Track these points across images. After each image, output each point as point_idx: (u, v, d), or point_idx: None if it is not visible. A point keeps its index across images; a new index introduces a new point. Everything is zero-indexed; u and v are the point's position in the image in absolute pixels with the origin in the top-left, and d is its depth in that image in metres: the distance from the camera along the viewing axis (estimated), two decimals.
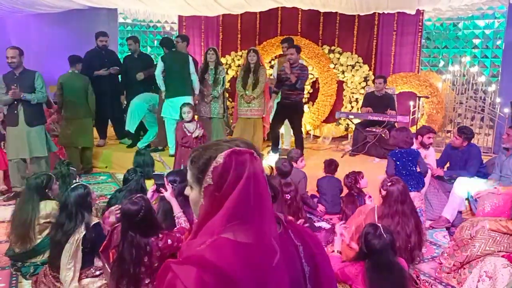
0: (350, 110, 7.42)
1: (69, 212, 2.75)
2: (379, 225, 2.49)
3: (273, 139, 6.34)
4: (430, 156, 4.78)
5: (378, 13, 7.26)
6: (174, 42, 6.37)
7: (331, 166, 4.71)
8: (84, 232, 2.72)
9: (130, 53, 6.88)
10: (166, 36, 7.67)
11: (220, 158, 1.02)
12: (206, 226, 1.00)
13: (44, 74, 7.75)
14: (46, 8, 7.49)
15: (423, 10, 7.03)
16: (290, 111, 6.04)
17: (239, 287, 0.92)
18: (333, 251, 2.67)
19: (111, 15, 8.08)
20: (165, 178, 2.87)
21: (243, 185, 0.98)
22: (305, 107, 7.96)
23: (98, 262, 2.86)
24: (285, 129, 6.75)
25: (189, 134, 5.02)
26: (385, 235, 2.42)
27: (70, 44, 7.57)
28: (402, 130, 4.48)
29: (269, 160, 5.68)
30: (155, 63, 6.70)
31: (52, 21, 8.06)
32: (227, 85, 7.22)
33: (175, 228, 2.66)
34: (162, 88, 6.08)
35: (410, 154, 4.23)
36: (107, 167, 6.23)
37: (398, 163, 4.24)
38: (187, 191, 1.14)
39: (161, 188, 2.83)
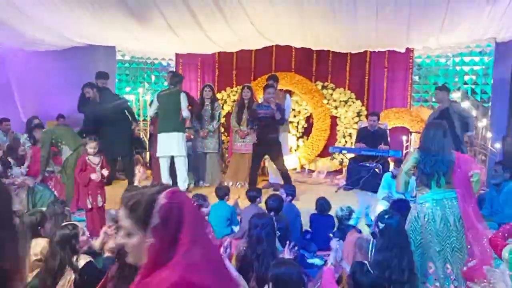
0: (344, 145, 7.51)
1: (53, 251, 2.75)
2: (366, 262, 2.52)
3: (254, 182, 6.06)
4: None
5: (370, 51, 7.47)
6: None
7: (321, 207, 4.70)
8: (74, 276, 2.70)
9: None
10: (173, 72, 7.37)
11: (162, 198, 1.16)
12: (163, 260, 1.13)
13: (43, 110, 7.93)
14: (45, 46, 7.70)
15: (413, 48, 7.23)
16: (271, 147, 6.00)
17: None
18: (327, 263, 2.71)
19: (109, 53, 8.26)
20: None
21: (188, 218, 1.16)
22: (300, 141, 8.08)
23: None
24: (269, 163, 6.64)
25: (93, 166, 4.70)
26: (372, 272, 2.44)
27: (68, 80, 7.71)
28: None
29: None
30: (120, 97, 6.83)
31: (51, 58, 8.23)
32: (223, 120, 7.32)
33: None
34: None
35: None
36: None
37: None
38: (122, 240, 1.21)
39: None
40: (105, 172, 4.77)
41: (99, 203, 4.72)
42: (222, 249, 2.80)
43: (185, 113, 6.01)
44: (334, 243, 2.87)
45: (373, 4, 5.33)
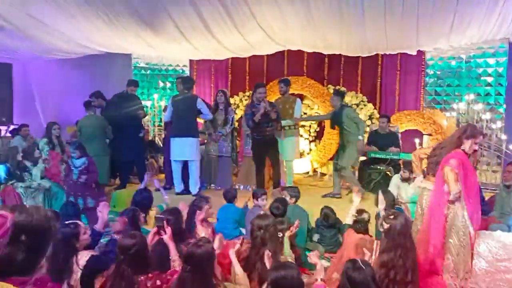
0: None
1: (55, 249, 2.83)
2: (358, 259, 2.55)
3: (262, 186, 6.04)
4: None
5: (381, 54, 7.46)
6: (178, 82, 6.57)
7: (325, 216, 4.71)
8: (79, 273, 2.76)
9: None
10: (184, 77, 7.20)
11: None
12: None
13: (61, 116, 8.19)
14: (63, 54, 7.95)
15: (425, 50, 7.19)
16: (271, 144, 6.06)
17: None
18: (317, 279, 2.71)
19: (126, 60, 8.47)
20: (165, 222, 2.98)
21: None
22: (312, 144, 8.10)
23: None
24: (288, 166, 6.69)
25: (72, 169, 5.07)
26: (364, 268, 2.46)
27: (86, 87, 7.89)
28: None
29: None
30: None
31: (69, 65, 8.51)
32: (235, 124, 7.39)
33: (168, 271, 2.74)
34: None
35: None
36: (115, 206, 6.34)
37: None
38: None
39: (161, 231, 2.94)
40: (82, 177, 5.03)
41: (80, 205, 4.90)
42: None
43: (209, 116, 6.15)
44: (313, 257, 2.88)
45: (381, 7, 5.34)
